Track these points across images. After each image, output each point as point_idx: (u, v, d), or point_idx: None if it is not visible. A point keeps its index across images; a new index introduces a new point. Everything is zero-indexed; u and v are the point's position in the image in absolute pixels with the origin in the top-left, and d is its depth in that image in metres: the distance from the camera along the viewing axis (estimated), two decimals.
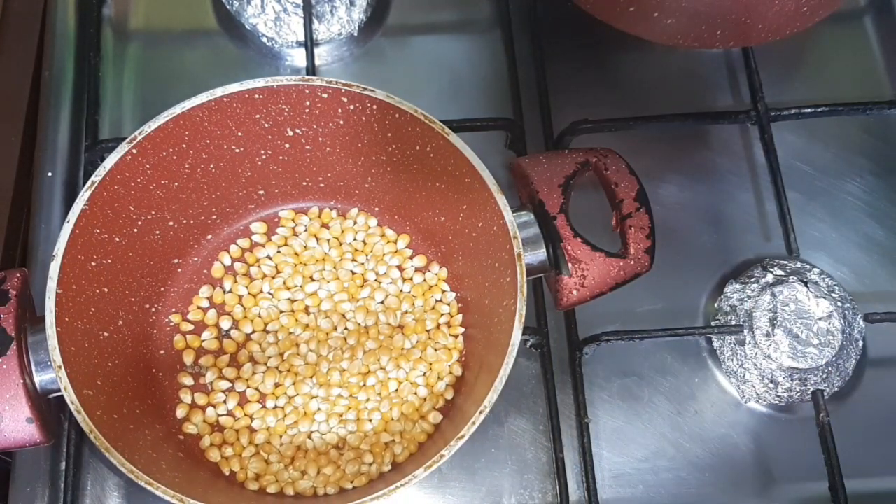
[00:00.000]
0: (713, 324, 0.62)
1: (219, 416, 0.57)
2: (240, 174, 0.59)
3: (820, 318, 0.59)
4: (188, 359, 0.59)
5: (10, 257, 0.64)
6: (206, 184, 0.58)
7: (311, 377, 0.58)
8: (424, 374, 0.58)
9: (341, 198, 0.62)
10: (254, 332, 0.59)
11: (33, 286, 0.56)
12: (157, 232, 0.58)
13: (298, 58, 0.69)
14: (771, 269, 0.61)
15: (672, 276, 0.63)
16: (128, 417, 0.53)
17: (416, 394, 0.58)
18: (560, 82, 0.67)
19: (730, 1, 0.59)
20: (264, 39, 0.69)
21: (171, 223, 0.58)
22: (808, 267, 0.62)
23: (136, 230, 0.56)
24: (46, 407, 0.52)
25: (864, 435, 0.60)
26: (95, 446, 0.48)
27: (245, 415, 0.57)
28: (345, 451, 0.57)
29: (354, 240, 0.62)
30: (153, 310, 0.59)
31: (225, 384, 0.58)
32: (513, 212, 0.53)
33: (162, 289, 0.60)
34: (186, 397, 0.58)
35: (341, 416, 0.57)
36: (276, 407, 0.58)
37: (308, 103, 0.56)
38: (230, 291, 0.60)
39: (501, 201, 0.52)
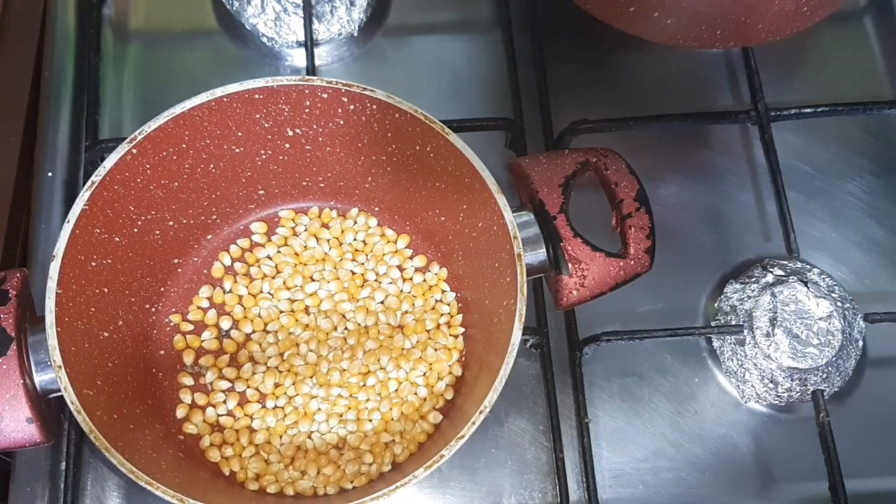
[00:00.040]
0: (713, 324, 0.62)
1: (219, 416, 0.57)
2: (240, 174, 0.59)
3: (820, 318, 0.59)
4: (188, 359, 0.59)
5: (10, 257, 0.64)
6: (206, 184, 0.58)
7: (311, 377, 0.58)
8: (424, 374, 0.58)
9: (341, 198, 0.62)
10: (254, 332, 0.59)
11: (33, 286, 0.56)
12: (157, 232, 0.58)
13: (298, 58, 0.69)
14: (771, 269, 0.61)
15: (672, 276, 0.63)
16: (128, 417, 0.53)
17: (416, 394, 0.58)
18: (560, 82, 0.67)
19: (730, 1, 0.59)
20: (264, 39, 0.69)
21: (171, 223, 0.58)
22: (808, 267, 0.62)
23: (136, 230, 0.56)
24: (46, 407, 0.52)
25: (864, 435, 0.60)
26: (95, 446, 0.48)
27: (245, 415, 0.57)
28: (345, 451, 0.57)
29: (354, 240, 0.62)
30: (153, 310, 0.59)
31: (225, 384, 0.58)
32: (513, 212, 0.53)
33: (162, 289, 0.60)
34: (186, 397, 0.58)
35: (341, 416, 0.57)
36: (276, 407, 0.58)
37: (308, 103, 0.56)
38: (230, 291, 0.60)
39: (501, 201, 0.52)
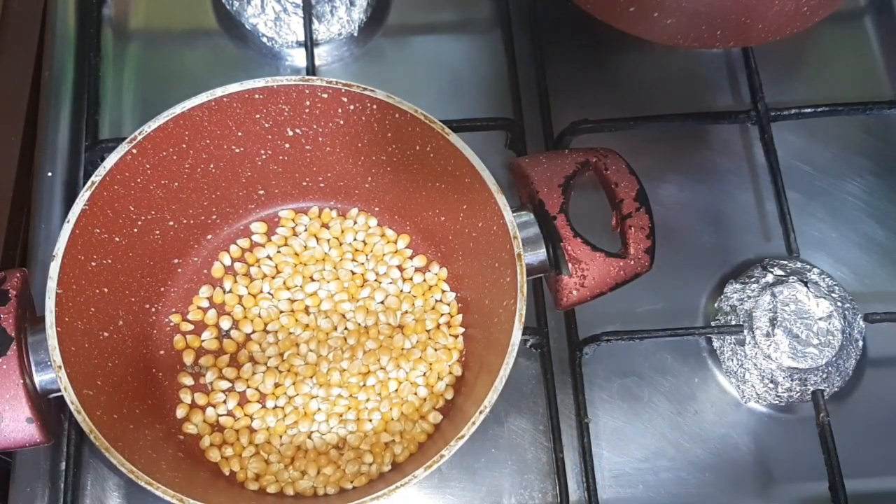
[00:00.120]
0: (713, 324, 0.62)
1: (219, 416, 0.57)
2: (240, 174, 0.59)
3: (820, 318, 0.59)
4: (188, 359, 0.59)
5: (10, 257, 0.64)
6: (206, 184, 0.58)
7: (311, 377, 0.58)
8: (424, 374, 0.58)
9: (341, 198, 0.62)
10: (254, 332, 0.59)
11: (33, 286, 0.56)
12: (157, 232, 0.58)
13: (298, 58, 0.69)
14: (771, 269, 0.61)
15: (672, 276, 0.63)
16: (128, 417, 0.53)
17: (416, 394, 0.58)
18: (560, 82, 0.67)
19: (730, 1, 0.59)
20: (264, 39, 0.69)
21: (171, 223, 0.58)
22: (808, 267, 0.62)
23: (136, 230, 0.56)
24: (46, 407, 0.52)
25: (864, 435, 0.60)
26: (95, 446, 0.48)
27: (245, 415, 0.57)
28: (345, 451, 0.57)
29: (354, 240, 0.62)
30: (153, 310, 0.59)
31: (225, 384, 0.58)
32: (513, 212, 0.53)
33: (162, 289, 0.60)
34: (186, 397, 0.58)
35: (341, 416, 0.57)
36: (276, 407, 0.58)
37: (308, 103, 0.56)
38: (230, 291, 0.60)
39: (501, 201, 0.52)
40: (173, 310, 0.60)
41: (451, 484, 0.59)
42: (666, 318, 0.62)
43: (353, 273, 0.61)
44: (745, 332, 0.59)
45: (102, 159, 0.53)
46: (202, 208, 0.60)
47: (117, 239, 0.55)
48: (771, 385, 0.59)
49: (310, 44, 0.66)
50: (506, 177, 0.59)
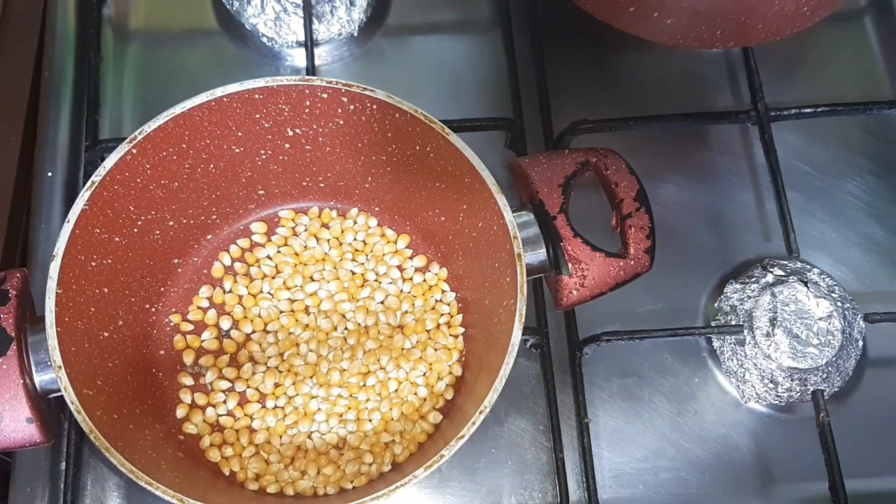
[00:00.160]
0: (713, 324, 0.62)
1: (219, 416, 0.57)
2: (240, 174, 0.59)
3: (820, 318, 0.59)
4: (188, 359, 0.59)
5: (10, 257, 0.64)
6: (206, 184, 0.58)
7: (311, 377, 0.58)
8: (424, 374, 0.58)
9: (341, 198, 0.62)
10: (254, 332, 0.59)
11: (33, 286, 0.56)
12: (157, 232, 0.58)
13: (298, 58, 0.69)
14: (771, 269, 0.61)
15: (672, 276, 0.63)
16: (128, 417, 0.53)
17: (416, 394, 0.58)
18: (560, 82, 0.67)
19: (730, 1, 0.59)
20: (264, 39, 0.69)
21: (171, 223, 0.58)
22: (808, 267, 0.62)
23: (136, 230, 0.56)
24: (46, 407, 0.52)
25: (864, 435, 0.60)
26: (95, 446, 0.48)
27: (245, 415, 0.57)
28: (345, 451, 0.57)
29: (354, 240, 0.62)
30: (153, 310, 0.59)
31: (225, 384, 0.58)
32: (513, 212, 0.53)
33: (162, 289, 0.60)
34: (186, 397, 0.58)
35: (341, 416, 0.57)
36: (276, 407, 0.58)
37: (308, 103, 0.56)
38: (230, 291, 0.60)
39: (501, 201, 0.52)
40: (173, 310, 0.60)
41: (451, 484, 0.59)
42: (666, 318, 0.62)
43: (353, 273, 0.61)
44: (745, 332, 0.59)
45: (102, 159, 0.53)
46: (202, 208, 0.60)
47: (117, 239, 0.55)
48: (771, 385, 0.59)
49: (310, 44, 0.66)
50: (506, 177, 0.59)
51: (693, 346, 0.62)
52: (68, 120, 0.66)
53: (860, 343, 0.60)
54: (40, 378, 0.51)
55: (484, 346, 0.56)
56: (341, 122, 0.57)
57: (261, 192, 0.61)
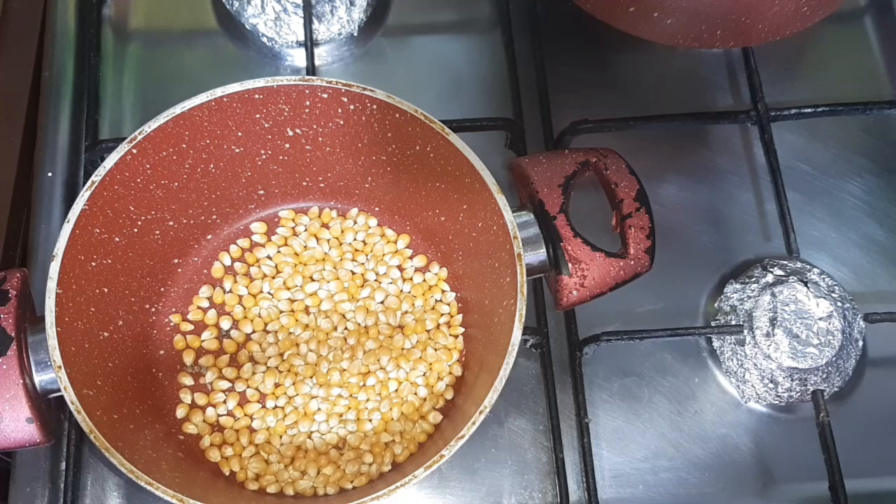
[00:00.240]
0: (713, 324, 0.62)
1: (219, 416, 0.57)
2: (240, 174, 0.59)
3: (820, 318, 0.59)
4: (188, 359, 0.59)
5: (10, 257, 0.64)
6: (206, 184, 0.58)
7: (311, 377, 0.58)
8: (424, 374, 0.58)
9: (341, 198, 0.62)
10: (254, 332, 0.59)
11: (33, 286, 0.56)
12: (157, 232, 0.58)
13: (298, 58, 0.69)
14: (771, 269, 0.61)
15: (672, 276, 0.63)
16: (128, 417, 0.53)
17: (416, 394, 0.58)
18: (560, 82, 0.67)
19: (730, 1, 0.59)
20: (264, 39, 0.69)
21: (171, 223, 0.58)
22: (808, 267, 0.62)
23: (136, 230, 0.56)
24: (46, 407, 0.52)
25: (864, 435, 0.60)
26: (95, 446, 0.48)
27: (245, 415, 0.57)
28: (345, 451, 0.57)
29: (354, 240, 0.62)
30: (153, 310, 0.59)
31: (225, 384, 0.58)
32: (513, 212, 0.53)
33: (162, 289, 0.60)
34: (186, 397, 0.58)
35: (341, 416, 0.57)
36: (276, 407, 0.58)
37: (308, 103, 0.56)
38: (230, 291, 0.60)
39: (501, 201, 0.52)
40: (173, 310, 0.60)
41: (451, 484, 0.59)
42: (666, 318, 0.62)
43: (353, 273, 0.61)
44: (745, 332, 0.59)
45: (102, 159, 0.53)
46: (202, 208, 0.60)
47: (117, 239, 0.55)
48: (771, 385, 0.59)
49: (310, 44, 0.66)
50: (506, 177, 0.59)
51: (693, 346, 0.62)
52: (68, 120, 0.66)
53: (860, 343, 0.60)
54: (40, 378, 0.51)
55: (484, 346, 0.56)
56: (341, 122, 0.57)
57: (261, 192, 0.61)
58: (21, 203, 0.65)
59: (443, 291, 0.60)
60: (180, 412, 0.57)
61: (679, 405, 0.61)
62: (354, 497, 0.48)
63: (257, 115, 0.56)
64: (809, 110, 0.66)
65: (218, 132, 0.56)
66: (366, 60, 0.70)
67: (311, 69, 0.65)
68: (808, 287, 0.59)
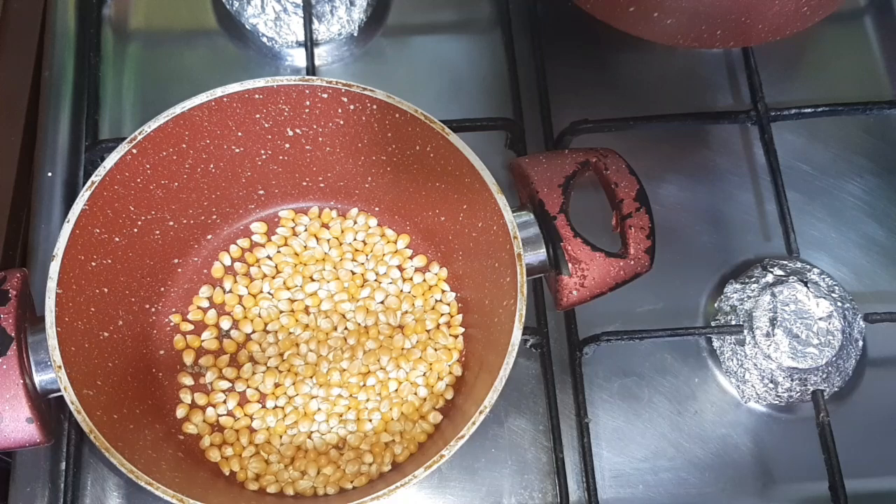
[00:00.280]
0: (713, 324, 0.62)
1: (219, 416, 0.57)
2: (240, 174, 0.59)
3: (820, 318, 0.59)
4: (188, 359, 0.59)
5: (10, 257, 0.64)
6: (206, 184, 0.58)
7: (311, 377, 0.58)
8: (424, 374, 0.58)
9: (341, 198, 0.62)
10: (254, 332, 0.59)
11: (33, 286, 0.56)
12: (157, 232, 0.58)
13: (298, 58, 0.69)
14: (771, 269, 0.61)
15: (672, 276, 0.63)
16: (128, 417, 0.53)
17: (416, 394, 0.58)
18: (560, 82, 0.67)
19: (730, 1, 0.59)
20: (264, 39, 0.69)
21: (171, 223, 0.58)
22: (808, 267, 0.62)
23: (136, 230, 0.56)
24: (46, 407, 0.52)
25: (864, 435, 0.60)
26: (95, 446, 0.48)
27: (245, 415, 0.57)
28: (345, 451, 0.57)
29: (354, 240, 0.62)
30: (153, 310, 0.59)
31: (225, 384, 0.58)
32: (513, 212, 0.53)
33: (162, 289, 0.60)
34: (186, 397, 0.58)
35: (341, 416, 0.57)
36: (276, 407, 0.58)
37: (308, 103, 0.56)
38: (230, 291, 0.60)
39: (501, 201, 0.52)
40: (173, 310, 0.60)
41: (451, 484, 0.59)
42: (666, 318, 0.62)
43: (353, 273, 0.61)
44: (745, 332, 0.59)
45: (102, 159, 0.53)
46: (202, 208, 0.60)
47: (117, 239, 0.55)
48: (771, 385, 0.59)
49: (310, 44, 0.66)
50: (506, 177, 0.59)
51: (693, 346, 0.62)
52: (68, 120, 0.66)
53: (860, 343, 0.60)
54: (40, 378, 0.51)
55: (484, 346, 0.56)
56: (341, 122, 0.57)
57: (261, 192, 0.61)
58: (21, 203, 0.65)
59: (443, 291, 0.60)
60: (180, 412, 0.57)
61: (679, 405, 0.61)
62: (354, 497, 0.48)
63: (257, 115, 0.56)
64: (809, 110, 0.66)
65: (218, 132, 0.56)
66: (366, 60, 0.70)
67: (311, 69, 0.65)
68: (808, 287, 0.59)
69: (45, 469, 0.58)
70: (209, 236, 0.61)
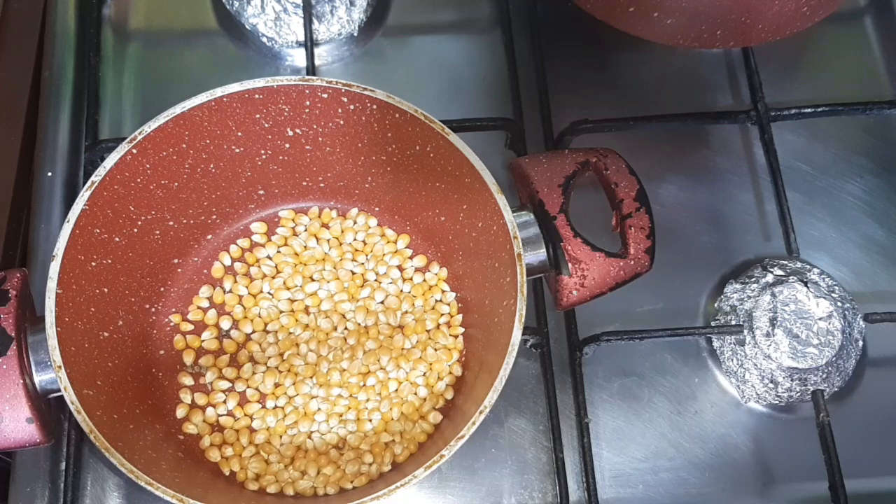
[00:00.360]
0: (713, 324, 0.62)
1: (219, 416, 0.57)
2: (240, 174, 0.59)
3: (820, 318, 0.59)
4: (188, 359, 0.59)
5: (10, 257, 0.64)
6: (206, 184, 0.58)
7: (311, 377, 0.58)
8: (424, 374, 0.58)
9: (341, 198, 0.62)
10: (254, 332, 0.59)
11: (33, 286, 0.56)
12: (157, 232, 0.58)
13: (298, 58, 0.69)
14: (771, 269, 0.61)
15: (672, 276, 0.63)
16: (128, 417, 0.53)
17: (416, 394, 0.58)
18: (560, 82, 0.67)
19: (730, 1, 0.59)
20: (264, 39, 0.69)
21: (171, 223, 0.58)
22: (808, 267, 0.62)
23: (136, 230, 0.56)
24: (46, 407, 0.52)
25: (864, 435, 0.60)
26: (95, 446, 0.48)
27: (245, 415, 0.57)
28: (345, 451, 0.57)
29: (354, 240, 0.62)
30: (153, 310, 0.59)
31: (225, 384, 0.58)
32: (513, 212, 0.53)
33: (162, 289, 0.60)
34: (186, 397, 0.58)
35: (341, 416, 0.57)
36: (276, 407, 0.58)
37: (308, 103, 0.56)
38: (230, 291, 0.60)
39: (501, 201, 0.52)
40: (173, 310, 0.60)
41: (451, 484, 0.59)
42: (666, 318, 0.62)
43: (353, 273, 0.61)
44: (745, 332, 0.59)
45: (102, 159, 0.53)
46: (202, 208, 0.60)
47: (117, 239, 0.55)
48: (771, 385, 0.59)
49: (310, 44, 0.66)
50: (506, 177, 0.59)
51: (693, 346, 0.62)
52: (68, 120, 0.66)
53: (860, 343, 0.60)
54: (40, 378, 0.51)
55: (484, 346, 0.56)
56: (341, 122, 0.57)
57: (261, 192, 0.61)
58: (21, 203, 0.66)
59: (443, 291, 0.60)
60: (180, 412, 0.57)
61: (679, 405, 0.61)
62: (354, 497, 0.48)
63: (257, 115, 0.56)
64: (809, 110, 0.66)
65: (218, 132, 0.56)
66: (366, 60, 0.70)
67: (311, 69, 0.65)
68: (808, 287, 0.59)
69: (45, 469, 0.58)
70: (209, 236, 0.61)
